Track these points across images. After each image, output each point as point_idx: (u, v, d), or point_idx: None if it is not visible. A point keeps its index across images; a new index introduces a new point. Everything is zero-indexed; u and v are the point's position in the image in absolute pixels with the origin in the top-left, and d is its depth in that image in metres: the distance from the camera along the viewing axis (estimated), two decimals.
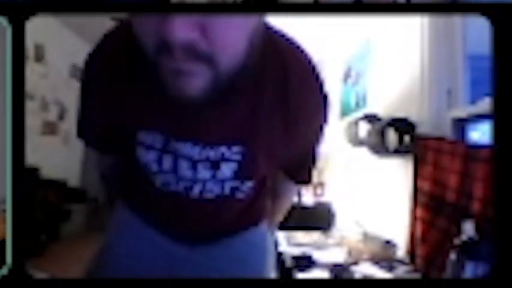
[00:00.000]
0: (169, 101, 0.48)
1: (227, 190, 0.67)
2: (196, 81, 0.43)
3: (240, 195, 0.69)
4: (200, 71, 0.42)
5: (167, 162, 0.62)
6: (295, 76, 0.58)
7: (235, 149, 0.60)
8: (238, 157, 0.61)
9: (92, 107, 0.64)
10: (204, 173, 0.63)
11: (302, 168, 0.79)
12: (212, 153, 0.60)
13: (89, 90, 0.63)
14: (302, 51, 0.61)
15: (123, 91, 0.57)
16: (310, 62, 0.62)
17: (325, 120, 0.71)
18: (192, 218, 0.74)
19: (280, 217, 0.98)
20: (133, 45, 0.46)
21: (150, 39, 0.42)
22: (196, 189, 0.66)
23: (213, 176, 0.63)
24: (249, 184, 0.68)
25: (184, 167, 0.62)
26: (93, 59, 0.61)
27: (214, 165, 0.62)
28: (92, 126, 0.70)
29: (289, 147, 0.65)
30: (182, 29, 0.39)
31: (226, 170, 0.62)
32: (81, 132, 0.73)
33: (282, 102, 0.58)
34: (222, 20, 0.42)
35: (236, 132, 0.59)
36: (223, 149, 0.60)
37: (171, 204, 0.71)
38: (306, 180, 0.83)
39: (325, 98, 0.68)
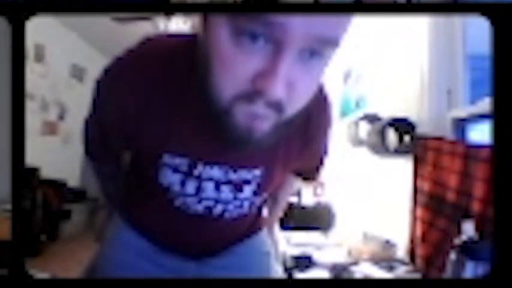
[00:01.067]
0: (215, 136, 0.49)
1: (246, 208, 0.71)
2: (266, 125, 0.45)
3: (254, 208, 0.74)
4: (271, 115, 0.44)
5: (191, 185, 0.63)
6: (315, 110, 0.65)
7: (256, 172, 0.64)
8: (258, 179, 0.66)
9: (119, 123, 0.62)
10: (227, 194, 0.65)
11: (312, 171, 0.88)
12: (235, 176, 0.63)
13: (120, 107, 0.60)
14: (321, 87, 0.69)
15: (166, 114, 0.57)
16: (326, 95, 0.73)
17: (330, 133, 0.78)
18: (207, 236, 0.75)
19: (279, 216, 1.03)
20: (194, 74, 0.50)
21: (232, 87, 0.42)
22: (219, 209, 0.68)
23: (235, 198, 0.67)
24: (262, 197, 0.72)
25: (207, 189, 0.64)
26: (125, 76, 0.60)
27: (237, 187, 0.65)
28: (110, 142, 0.71)
29: (303, 160, 0.74)
30: (276, 89, 0.40)
31: (247, 191, 0.67)
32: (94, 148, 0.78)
33: (302, 132, 0.65)
34: (308, 76, 0.43)
35: (259, 158, 0.63)
36: (244, 172, 0.63)
37: (187, 223, 0.72)
38: (313, 178, 0.91)
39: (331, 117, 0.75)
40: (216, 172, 0.62)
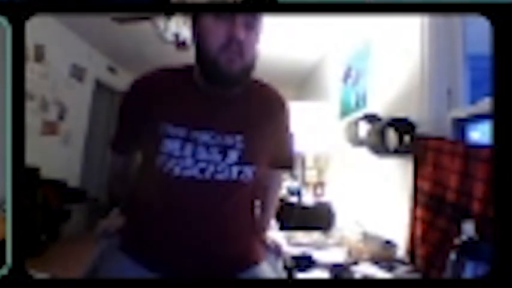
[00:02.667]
0: (193, 99, 0.84)
1: (234, 173, 0.84)
2: (238, 64, 0.78)
3: (244, 179, 0.85)
4: (238, 58, 0.77)
5: (188, 148, 0.81)
6: (277, 108, 0.96)
7: (238, 137, 0.84)
8: (240, 145, 0.84)
9: (134, 117, 0.88)
10: (215, 155, 0.82)
11: (287, 159, 1.06)
12: (221, 140, 0.83)
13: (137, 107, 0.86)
14: (280, 96, 0.98)
15: (164, 102, 0.84)
16: (284, 100, 0.98)
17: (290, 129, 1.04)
18: (203, 201, 0.83)
19: (273, 210, 1.13)
20: (171, 74, 0.89)
21: (216, 40, 0.76)
22: (210, 169, 0.82)
23: (223, 160, 0.83)
24: (251, 169, 0.86)
25: (201, 152, 0.81)
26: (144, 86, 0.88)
27: (223, 150, 0.83)
28: (127, 132, 0.92)
29: (276, 147, 0.96)
30: (240, 34, 0.75)
31: (233, 155, 0.83)
32: (115, 142, 0.97)
33: (268, 121, 0.92)
34: (251, 35, 0.79)
35: (239, 125, 0.85)
36: (228, 137, 0.83)
37: (186, 191, 0.83)
38: (290, 166, 1.09)
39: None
40: (205, 136, 0.82)
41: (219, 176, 0.83)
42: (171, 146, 0.80)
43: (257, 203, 1.03)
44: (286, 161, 1.07)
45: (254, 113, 0.89)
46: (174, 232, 0.83)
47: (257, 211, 1.03)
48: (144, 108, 0.84)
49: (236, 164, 0.83)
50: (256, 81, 0.92)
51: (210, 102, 0.84)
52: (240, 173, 0.84)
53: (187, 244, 0.83)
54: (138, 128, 0.86)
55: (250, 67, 0.81)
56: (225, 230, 0.87)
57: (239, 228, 0.90)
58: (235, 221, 0.89)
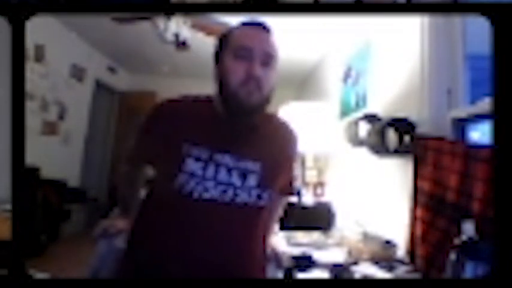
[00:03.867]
0: (217, 126, 0.89)
1: (253, 197, 0.88)
2: (256, 97, 0.86)
3: (261, 203, 0.89)
4: (256, 91, 0.85)
5: (210, 169, 0.85)
6: (289, 141, 1.04)
7: (258, 163, 0.89)
8: (259, 171, 0.89)
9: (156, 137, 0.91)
10: (236, 179, 0.86)
11: (289, 185, 1.11)
12: (242, 165, 0.87)
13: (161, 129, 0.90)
14: (292, 130, 1.06)
15: (185, 124, 0.89)
16: (296, 134, 1.05)
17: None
18: (220, 225, 0.85)
19: (275, 226, 1.19)
20: (195, 102, 0.95)
21: (236, 77, 0.85)
22: (230, 192, 0.85)
23: (243, 183, 0.87)
24: (268, 194, 0.90)
25: (222, 173, 0.85)
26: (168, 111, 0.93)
27: (244, 174, 0.87)
28: (148, 150, 0.95)
29: (284, 173, 1.02)
30: (258, 71, 0.85)
31: (252, 179, 0.88)
32: (136, 158, 1.01)
33: (281, 152, 0.99)
34: (268, 73, 0.87)
35: (257, 152, 0.91)
36: (249, 163, 0.88)
37: (205, 212, 0.84)
38: (292, 193, 1.17)
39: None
40: (227, 159, 0.86)
41: (239, 199, 0.86)
42: (194, 166, 0.83)
43: (270, 227, 1.06)
44: (290, 188, 1.13)
45: (270, 142, 0.96)
46: (186, 252, 0.83)
47: (269, 236, 1.05)
48: (167, 129, 0.88)
49: (255, 188, 0.88)
50: (270, 115, 1.01)
51: (231, 129, 0.89)
52: (258, 197, 0.88)
53: (198, 264, 0.83)
54: (159, 147, 0.90)
55: (267, 99, 0.89)
56: (241, 253, 0.88)
57: (254, 252, 0.92)
58: (251, 244, 0.91)
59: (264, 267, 0.97)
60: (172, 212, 0.86)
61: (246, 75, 0.83)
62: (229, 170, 0.85)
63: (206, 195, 0.83)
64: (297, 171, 1.12)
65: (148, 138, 0.94)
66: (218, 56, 0.91)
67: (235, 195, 0.85)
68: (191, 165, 0.83)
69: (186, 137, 0.86)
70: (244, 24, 0.91)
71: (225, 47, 0.88)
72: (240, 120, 0.90)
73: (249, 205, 0.87)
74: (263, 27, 0.90)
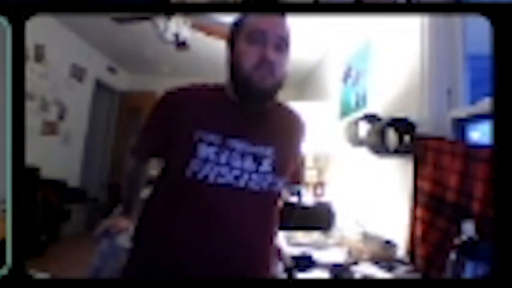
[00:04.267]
0: (230, 112, 0.89)
1: (267, 183, 0.88)
2: (269, 81, 0.85)
3: (275, 188, 0.90)
4: (269, 75, 0.84)
5: (224, 155, 0.84)
6: (300, 131, 1.03)
7: (270, 149, 0.89)
8: (273, 156, 0.89)
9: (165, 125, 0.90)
10: (250, 164, 0.86)
11: (298, 173, 1.13)
12: (256, 150, 0.87)
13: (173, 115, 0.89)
14: (300, 117, 1.05)
15: (200, 111, 0.88)
16: (304, 122, 1.04)
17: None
18: (234, 211, 0.85)
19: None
20: (207, 89, 0.94)
21: (250, 61, 0.84)
22: (245, 177, 0.85)
23: (257, 168, 0.86)
24: (281, 180, 0.90)
25: (235, 159, 0.85)
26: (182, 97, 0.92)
27: (257, 159, 0.87)
28: (154, 140, 0.94)
29: (295, 161, 1.02)
30: (271, 55, 0.83)
31: (266, 164, 0.88)
32: (136, 149, 1.00)
33: (291, 140, 0.99)
34: (281, 57, 0.86)
35: (270, 138, 0.90)
36: (263, 148, 0.88)
37: (220, 197, 0.84)
38: (300, 181, 1.19)
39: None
40: (240, 145, 0.86)
41: (253, 184, 0.86)
42: (207, 151, 0.83)
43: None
44: (298, 177, 1.14)
45: (282, 128, 0.96)
46: (202, 238, 0.83)
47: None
48: (177, 117, 0.87)
49: (269, 173, 0.88)
50: (280, 103, 1.00)
51: (243, 114, 0.89)
52: (271, 183, 0.88)
53: (213, 250, 0.83)
54: (169, 135, 0.88)
55: (280, 84, 0.87)
56: (254, 239, 0.88)
57: (265, 237, 0.92)
58: (266, 230, 0.91)
59: (272, 258, 0.97)
60: (187, 199, 0.85)
61: (259, 59, 0.83)
62: (242, 155, 0.85)
63: (221, 180, 0.83)
64: (303, 159, 1.12)
65: (158, 127, 0.92)
66: (231, 40, 0.90)
67: (250, 179, 0.85)
68: (204, 150, 0.83)
69: (197, 123, 0.85)
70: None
71: (239, 32, 0.87)
72: (251, 106, 0.89)
73: (264, 190, 0.87)
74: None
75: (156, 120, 0.93)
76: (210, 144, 0.83)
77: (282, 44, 0.85)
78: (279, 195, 0.95)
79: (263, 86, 0.84)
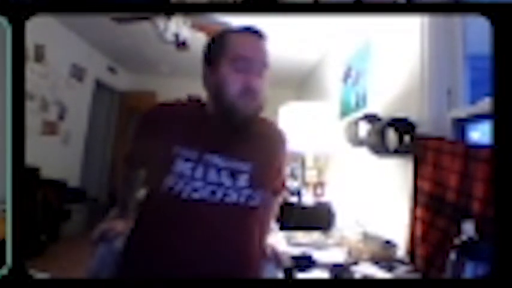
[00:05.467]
0: (206, 127, 0.90)
1: (244, 197, 0.88)
2: (252, 106, 0.87)
3: (252, 203, 0.89)
4: (252, 101, 0.87)
5: (199, 170, 0.85)
6: (279, 144, 1.05)
7: (248, 164, 0.89)
8: (250, 171, 0.89)
9: (151, 139, 0.92)
10: (226, 179, 0.86)
11: (280, 184, 1.12)
12: (233, 165, 0.87)
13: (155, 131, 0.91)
14: (281, 132, 1.07)
15: (178, 127, 0.90)
16: (285, 136, 1.07)
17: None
18: (210, 225, 0.84)
19: (271, 227, 1.17)
20: (186, 105, 0.97)
21: (234, 88, 0.85)
22: (220, 192, 0.85)
23: (233, 183, 0.87)
24: (259, 194, 0.90)
25: (211, 174, 0.85)
26: (162, 113, 0.95)
27: (234, 174, 0.87)
28: (144, 152, 0.95)
29: (277, 177, 1.05)
30: (257, 84, 0.86)
31: (243, 179, 0.88)
32: (131, 159, 1.03)
33: (273, 155, 1.01)
34: (264, 78, 0.88)
35: (248, 153, 0.91)
36: (240, 163, 0.88)
37: (195, 212, 0.84)
38: (283, 191, 1.17)
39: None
40: (217, 160, 0.86)
41: (228, 199, 0.86)
42: (183, 166, 0.84)
43: (266, 227, 1.06)
44: (282, 188, 1.16)
45: (260, 142, 0.97)
46: (177, 252, 0.83)
47: (265, 235, 1.05)
48: (158, 132, 0.90)
49: (245, 188, 0.88)
50: (261, 118, 0.99)
51: (222, 130, 0.89)
52: (248, 197, 0.88)
53: (191, 265, 0.82)
54: (150, 150, 0.91)
55: (261, 108, 0.90)
56: (234, 253, 0.87)
57: (248, 251, 0.91)
58: (244, 243, 0.90)
59: (259, 267, 0.96)
60: (164, 213, 0.86)
61: (244, 88, 0.84)
62: (219, 170, 0.86)
63: (195, 196, 0.83)
64: (295, 171, 1.15)
65: (141, 142, 0.96)
66: (211, 59, 0.91)
67: (225, 195, 0.85)
68: (180, 166, 0.84)
69: (176, 139, 0.87)
70: (241, 30, 0.89)
71: (221, 53, 0.87)
72: (232, 124, 0.89)
73: (240, 205, 0.87)
74: (260, 35, 0.89)
75: (140, 136, 0.96)
76: (187, 160, 0.84)
77: (264, 69, 0.88)
78: (264, 207, 0.96)
79: (246, 113, 0.86)
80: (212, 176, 0.85)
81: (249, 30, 0.89)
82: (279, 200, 1.19)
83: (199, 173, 0.84)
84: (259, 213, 0.94)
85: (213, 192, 0.84)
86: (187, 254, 0.82)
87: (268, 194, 0.99)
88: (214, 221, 0.84)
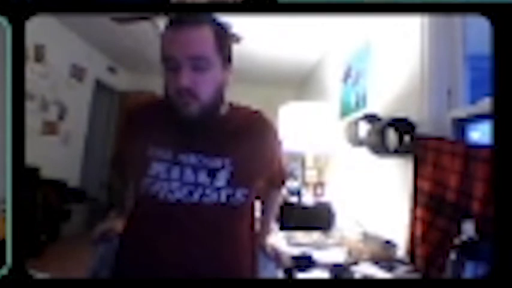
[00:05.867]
0: (179, 125, 0.83)
1: (223, 197, 0.83)
2: (194, 105, 0.80)
3: (234, 202, 0.84)
4: (191, 99, 0.79)
5: (175, 171, 0.81)
6: (264, 128, 0.95)
7: (226, 160, 0.83)
8: (229, 168, 0.83)
9: (130, 143, 0.91)
10: (203, 178, 0.82)
11: (280, 176, 1.08)
12: (209, 163, 0.82)
13: (131, 133, 0.92)
14: (261, 115, 0.97)
15: (150, 128, 0.88)
16: (264, 119, 0.96)
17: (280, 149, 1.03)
18: (189, 229, 0.82)
19: (272, 222, 1.15)
20: (161, 103, 0.89)
21: (170, 88, 0.80)
22: (197, 194, 0.81)
23: (211, 183, 0.82)
24: (242, 192, 0.85)
25: (188, 174, 0.81)
26: (136, 115, 0.95)
27: (211, 173, 0.82)
28: (124, 156, 0.95)
29: (265, 165, 0.95)
30: (184, 82, 0.77)
31: (221, 178, 0.82)
32: (115, 164, 1.06)
33: (254, 139, 0.91)
34: (204, 71, 0.79)
35: (226, 148, 0.85)
36: (217, 160, 0.83)
37: (172, 214, 0.82)
38: (282, 183, 1.13)
39: (278, 139, 1.01)
40: (193, 159, 0.82)
41: (207, 200, 0.81)
42: (158, 168, 0.81)
43: (257, 226, 1.02)
44: (280, 179, 1.10)
45: (240, 134, 0.89)
46: (160, 254, 0.82)
47: (256, 232, 1.01)
48: (135, 133, 0.90)
49: (225, 187, 0.83)
50: (238, 107, 0.94)
51: (194, 128, 0.84)
52: (229, 196, 0.83)
53: (173, 267, 0.81)
54: (129, 150, 0.91)
55: (210, 104, 0.82)
56: (210, 255, 0.84)
57: (235, 251, 0.88)
58: (229, 244, 0.87)
59: (250, 266, 0.94)
60: (143, 215, 0.86)
61: (176, 88, 0.78)
62: (194, 170, 0.81)
63: (171, 197, 0.81)
64: (282, 157, 1.05)
65: (121, 145, 1.00)
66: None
67: (204, 195, 0.81)
68: (155, 168, 0.82)
69: (149, 140, 0.85)
70: (168, 26, 0.82)
71: (160, 55, 0.83)
72: (198, 124, 0.84)
73: (220, 205, 0.82)
74: (187, 25, 0.78)
75: (121, 139, 1.00)
76: (162, 160, 0.82)
77: (200, 62, 0.78)
78: (249, 204, 0.92)
79: (188, 112, 0.79)
80: (188, 176, 0.81)
81: (176, 24, 0.80)
82: (278, 194, 1.15)
83: (175, 173, 0.81)
84: (244, 212, 0.90)
85: (190, 193, 0.81)
86: (168, 257, 0.81)
87: (260, 188, 0.96)
88: (191, 222, 0.82)
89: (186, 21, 0.79)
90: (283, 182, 1.13)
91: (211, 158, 0.83)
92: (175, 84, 0.78)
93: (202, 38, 0.79)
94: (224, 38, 0.84)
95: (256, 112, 0.96)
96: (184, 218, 0.82)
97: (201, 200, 0.81)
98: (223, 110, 0.90)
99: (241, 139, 0.88)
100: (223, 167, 0.83)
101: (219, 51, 0.81)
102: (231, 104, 0.93)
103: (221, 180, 0.82)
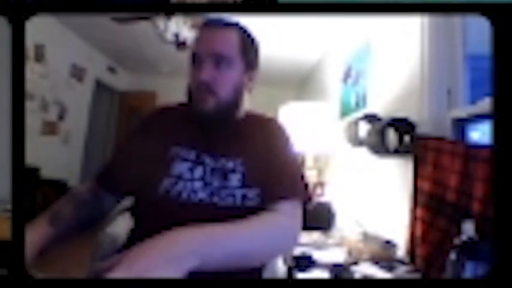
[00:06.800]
0: (197, 125, 0.87)
1: (239, 198, 0.82)
2: (210, 101, 0.82)
3: (248, 203, 0.83)
4: (209, 95, 0.82)
5: (198, 170, 0.83)
6: (277, 133, 0.94)
7: (238, 161, 0.85)
8: (240, 169, 0.84)
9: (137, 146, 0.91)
10: (219, 180, 0.82)
11: (294, 183, 0.90)
12: (222, 164, 0.84)
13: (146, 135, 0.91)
14: (275, 121, 0.98)
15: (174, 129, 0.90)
16: (278, 125, 0.97)
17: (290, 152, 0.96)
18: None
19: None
20: (178, 106, 0.96)
21: (191, 83, 0.85)
22: (217, 193, 0.81)
23: (226, 184, 0.82)
24: (255, 192, 0.83)
25: (208, 175, 0.83)
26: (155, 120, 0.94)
27: (224, 174, 0.83)
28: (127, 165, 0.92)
29: (274, 168, 0.87)
30: (204, 76, 0.80)
31: (234, 179, 0.83)
32: (106, 180, 1.01)
33: (267, 143, 0.90)
34: (224, 69, 0.83)
35: (238, 150, 0.86)
36: (230, 162, 0.84)
37: (194, 215, 0.78)
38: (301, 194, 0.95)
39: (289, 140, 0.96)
40: (208, 160, 0.84)
41: (224, 202, 0.81)
42: (181, 168, 0.82)
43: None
44: (293, 189, 0.91)
45: (253, 138, 0.90)
46: None
47: None
48: (151, 136, 0.88)
49: (238, 187, 0.83)
50: (254, 113, 0.97)
51: (211, 127, 0.87)
52: (243, 197, 0.82)
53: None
54: (141, 157, 0.85)
55: (226, 102, 0.84)
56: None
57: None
58: None
59: (259, 267, 0.92)
60: (161, 215, 0.81)
61: (197, 82, 0.81)
62: (213, 171, 0.83)
63: (194, 197, 0.80)
64: (296, 165, 0.94)
65: (127, 150, 0.95)
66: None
67: (221, 196, 0.82)
68: (178, 167, 0.82)
69: (171, 140, 0.86)
70: (200, 27, 0.87)
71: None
72: (214, 122, 0.86)
73: (237, 205, 0.81)
74: (215, 26, 0.84)
75: (130, 143, 0.95)
76: (186, 159, 0.83)
77: (222, 59, 0.81)
78: (262, 205, 0.84)
79: (204, 108, 0.82)
80: (209, 177, 0.83)
81: (206, 25, 0.85)
82: (297, 208, 0.95)
83: (198, 173, 0.82)
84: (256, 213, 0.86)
85: (212, 193, 0.81)
86: None
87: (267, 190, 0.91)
88: (214, 220, 0.79)
89: (215, 22, 0.84)
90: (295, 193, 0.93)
91: (224, 159, 0.85)
92: (196, 79, 0.82)
93: (227, 38, 0.83)
94: (249, 44, 0.88)
95: (271, 119, 0.99)
96: (205, 217, 0.78)
97: (219, 201, 0.81)
98: (240, 114, 0.93)
99: (255, 142, 0.89)
100: (235, 168, 0.85)
101: (242, 54, 0.85)
102: (249, 111, 0.96)
103: (235, 181, 0.84)
